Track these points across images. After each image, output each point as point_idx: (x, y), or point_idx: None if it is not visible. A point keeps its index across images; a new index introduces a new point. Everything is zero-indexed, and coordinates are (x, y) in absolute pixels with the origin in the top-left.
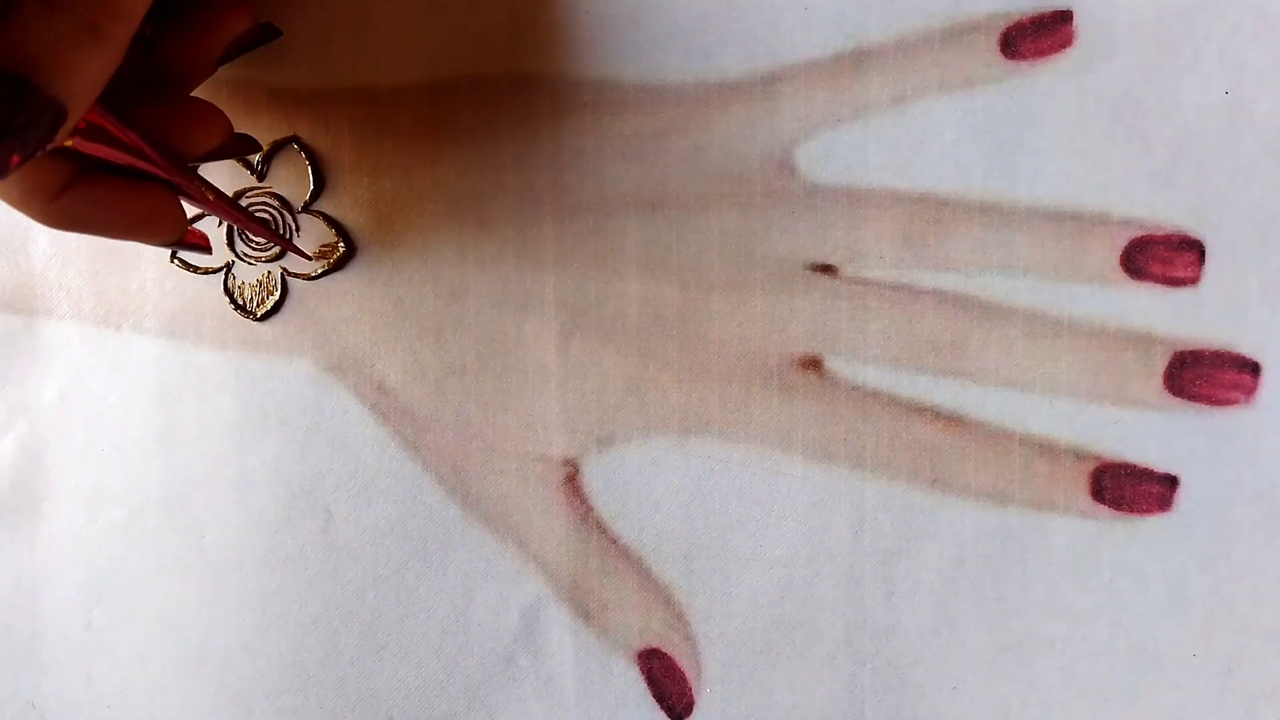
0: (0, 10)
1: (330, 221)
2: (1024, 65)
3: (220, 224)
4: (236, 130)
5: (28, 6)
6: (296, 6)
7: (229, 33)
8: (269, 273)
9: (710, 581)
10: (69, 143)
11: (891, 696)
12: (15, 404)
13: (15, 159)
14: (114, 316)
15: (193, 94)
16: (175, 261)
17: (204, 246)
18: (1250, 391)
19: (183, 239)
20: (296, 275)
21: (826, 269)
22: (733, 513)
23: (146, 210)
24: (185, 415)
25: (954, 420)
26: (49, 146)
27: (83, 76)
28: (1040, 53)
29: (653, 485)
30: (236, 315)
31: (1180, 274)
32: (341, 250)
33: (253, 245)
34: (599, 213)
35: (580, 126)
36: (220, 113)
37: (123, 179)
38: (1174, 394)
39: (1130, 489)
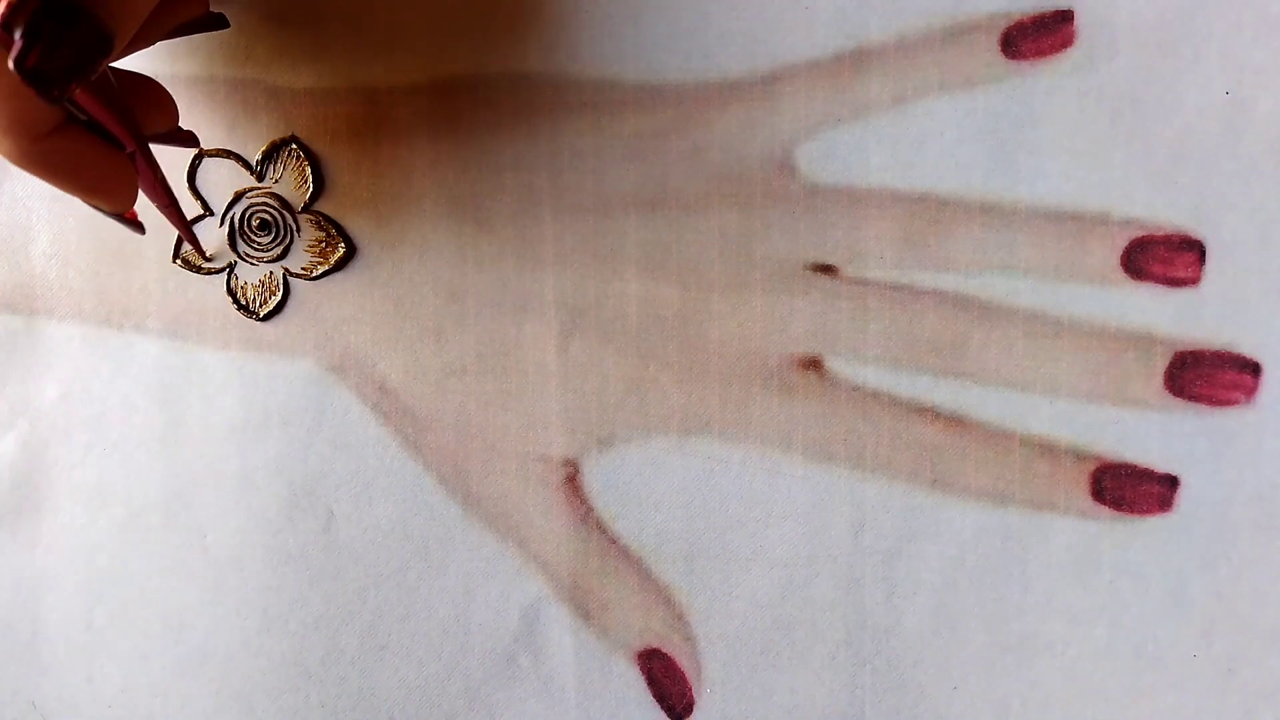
0: None
1: (330, 222)
2: (1025, 65)
3: (222, 225)
4: (237, 132)
5: None
6: (296, 6)
7: (180, 15)
8: (271, 273)
9: (710, 582)
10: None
11: (892, 697)
12: (16, 404)
13: (75, 88)
14: (115, 316)
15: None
16: (178, 262)
17: (140, 226)
18: (1250, 392)
19: (127, 211)
20: (298, 275)
21: (826, 269)
22: (733, 513)
23: (110, 173)
24: (187, 415)
25: (954, 420)
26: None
27: (131, 11)
28: (1041, 52)
29: (653, 485)
30: (239, 315)
31: (1181, 274)
32: (342, 250)
33: (255, 246)
34: (599, 213)
35: (580, 126)
36: (172, 100)
37: (98, 138)
38: (1174, 394)
39: (1130, 489)
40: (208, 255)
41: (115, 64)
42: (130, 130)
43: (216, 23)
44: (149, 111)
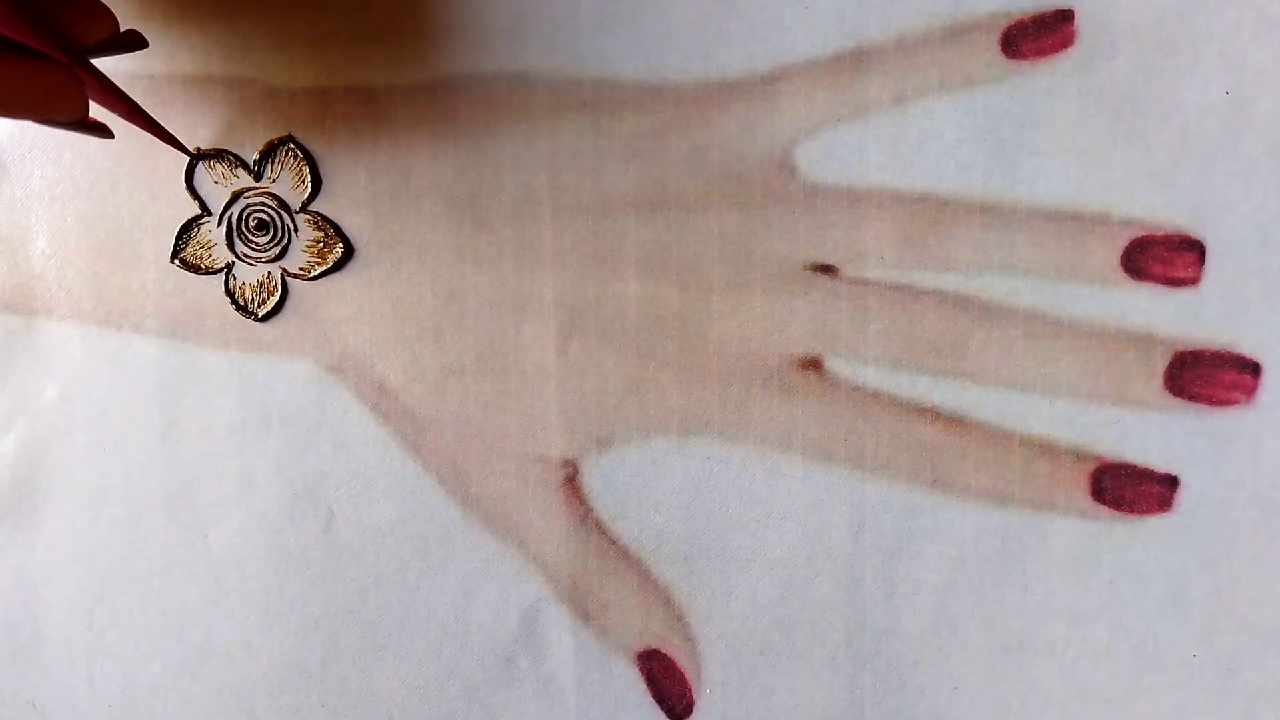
0: None
1: (328, 222)
2: (1025, 65)
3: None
4: (235, 132)
5: None
6: (295, 5)
7: (89, 35)
8: (269, 273)
9: (710, 582)
10: None
11: (892, 697)
12: (15, 404)
13: None
14: (114, 317)
15: None
16: (176, 262)
17: (105, 130)
18: (1250, 392)
19: (84, 118)
20: (296, 275)
21: (826, 269)
22: (733, 513)
23: (48, 86)
24: (187, 415)
25: (954, 421)
26: None
27: None
28: (1041, 52)
29: (652, 486)
30: (237, 315)
31: (1180, 274)
32: (340, 250)
33: (253, 246)
34: (598, 213)
35: (580, 126)
36: (105, 7)
37: (23, 56)
38: (1174, 394)
39: (1130, 489)
40: (192, 150)
41: None
42: (58, 44)
43: (135, 43)
44: (80, 22)
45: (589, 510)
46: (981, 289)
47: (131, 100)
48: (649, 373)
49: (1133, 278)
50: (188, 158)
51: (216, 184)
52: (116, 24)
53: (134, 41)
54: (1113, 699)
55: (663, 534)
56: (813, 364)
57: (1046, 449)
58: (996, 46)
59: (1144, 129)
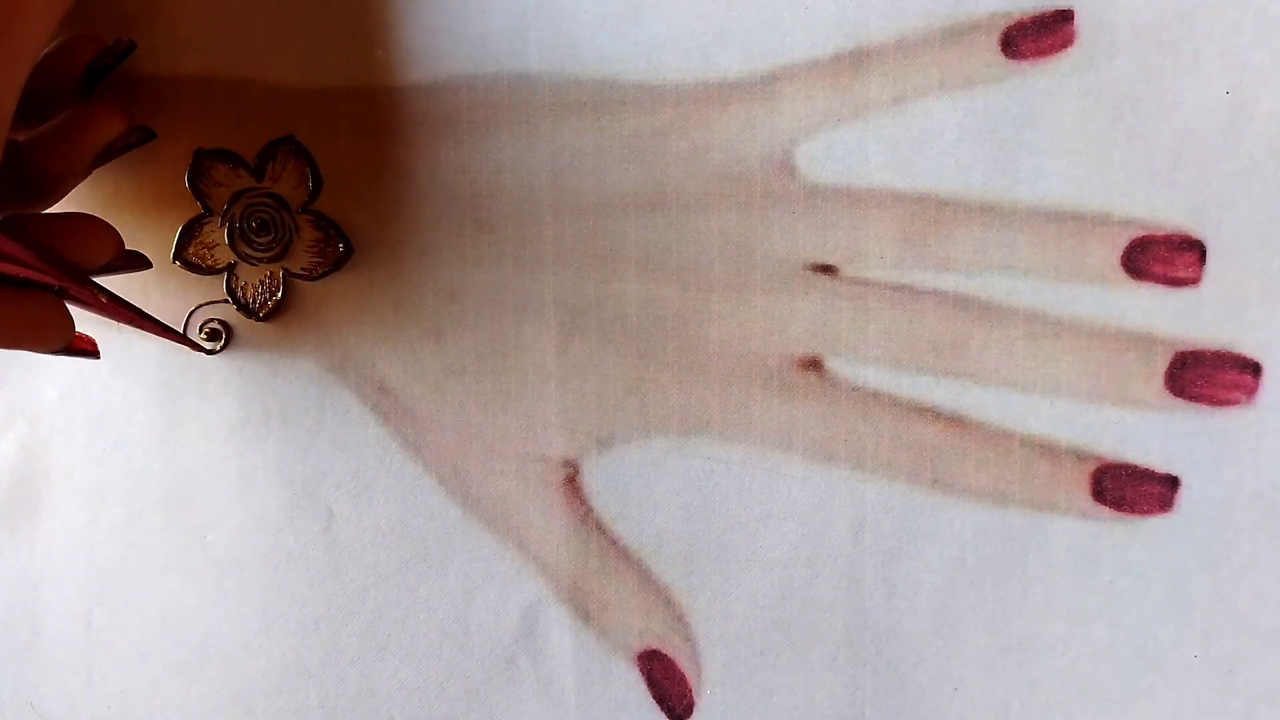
0: None
1: (329, 222)
2: (1025, 65)
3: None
4: (236, 132)
5: None
6: (296, 6)
7: (102, 137)
8: (271, 273)
9: (710, 583)
10: None
11: (892, 698)
12: (15, 404)
13: None
14: None
15: (84, 211)
16: (177, 262)
17: (92, 352)
18: (1251, 392)
19: (70, 345)
20: (298, 275)
21: (826, 269)
22: (733, 514)
23: (32, 318)
24: (187, 415)
25: (955, 421)
26: None
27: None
28: (1041, 52)
29: (653, 486)
30: (238, 315)
31: (1181, 274)
32: (341, 250)
33: (255, 246)
34: (599, 213)
35: (580, 126)
36: (111, 229)
37: (5, 288)
38: (1175, 394)
39: (1131, 489)
40: (208, 349)
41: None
42: (58, 271)
43: (141, 138)
44: (85, 247)
45: (589, 510)
46: (981, 289)
47: (136, 310)
48: (649, 373)
49: (1133, 278)
50: (204, 354)
51: (218, 184)
52: (121, 244)
53: (137, 262)
54: (1113, 699)
55: (663, 534)
56: (813, 364)
57: (1047, 449)
58: (996, 46)
59: (1144, 129)
